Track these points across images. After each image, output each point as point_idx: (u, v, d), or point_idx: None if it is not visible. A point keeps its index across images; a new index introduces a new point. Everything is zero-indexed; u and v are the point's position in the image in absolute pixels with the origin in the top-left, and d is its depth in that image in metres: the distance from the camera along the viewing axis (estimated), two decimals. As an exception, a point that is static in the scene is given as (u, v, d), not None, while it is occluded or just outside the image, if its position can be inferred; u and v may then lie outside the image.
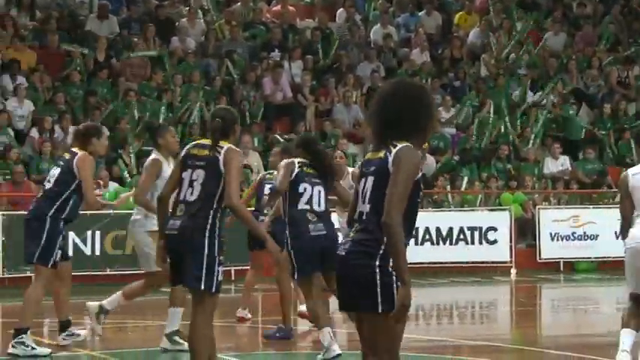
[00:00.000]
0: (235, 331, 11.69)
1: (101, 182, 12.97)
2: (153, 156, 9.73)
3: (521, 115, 22.47)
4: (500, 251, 18.81)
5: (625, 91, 23.74)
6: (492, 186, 19.84)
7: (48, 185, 9.75)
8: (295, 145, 9.75)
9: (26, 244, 9.65)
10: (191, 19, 22.55)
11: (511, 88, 23.12)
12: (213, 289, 7.27)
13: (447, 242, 18.40)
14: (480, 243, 18.78)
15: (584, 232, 19.13)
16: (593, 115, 23.15)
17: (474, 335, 12.12)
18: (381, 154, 5.55)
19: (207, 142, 7.60)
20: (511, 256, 18.75)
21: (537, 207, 19.43)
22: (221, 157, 7.36)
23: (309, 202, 9.13)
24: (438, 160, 20.68)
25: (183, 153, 7.65)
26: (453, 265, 18.24)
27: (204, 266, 7.21)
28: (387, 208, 5.42)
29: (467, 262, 18.29)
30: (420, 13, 25.25)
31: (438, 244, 18.38)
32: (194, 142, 7.73)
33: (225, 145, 7.46)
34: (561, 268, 19.10)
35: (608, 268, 19.08)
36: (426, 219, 18.23)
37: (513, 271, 18.61)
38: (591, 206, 19.88)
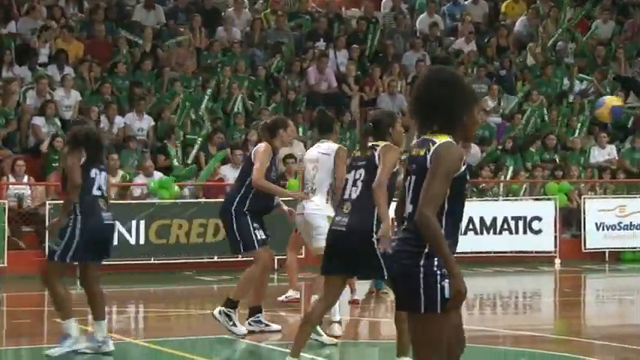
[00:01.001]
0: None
1: None
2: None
3: (569, 104, 22.32)
4: (545, 241, 18.71)
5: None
6: (538, 175, 19.74)
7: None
8: None
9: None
10: (237, 8, 22.65)
11: (558, 77, 22.94)
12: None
13: (492, 232, 18.30)
14: (525, 233, 18.68)
15: (631, 222, 18.96)
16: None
17: (517, 325, 12.15)
18: (422, 151, 5.49)
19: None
20: (555, 246, 18.65)
21: (583, 197, 19.30)
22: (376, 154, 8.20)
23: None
24: (483, 150, 20.60)
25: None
26: (497, 254, 18.18)
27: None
28: (419, 204, 5.40)
29: (511, 252, 18.21)
30: (466, 2, 25.17)
31: (482, 233, 18.29)
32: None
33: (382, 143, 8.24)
34: (607, 259, 18.95)
35: None
36: (471, 208, 18.19)
37: (557, 261, 18.52)
38: (638, 196, 19.71)
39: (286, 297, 12.57)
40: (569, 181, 19.68)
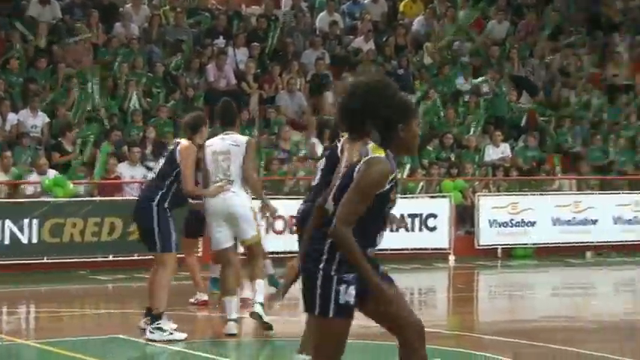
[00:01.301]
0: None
1: None
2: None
3: (464, 102, 22.60)
4: (440, 238, 18.96)
5: (565, 79, 23.97)
6: (434, 173, 19.98)
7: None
8: None
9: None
10: (135, 4, 22.38)
11: (454, 76, 23.22)
12: None
13: (388, 229, 18.34)
14: (420, 230, 18.87)
15: (522, 219, 19.30)
16: (535, 102, 23.38)
17: None
18: (357, 159, 5.63)
19: None
20: (450, 243, 18.92)
21: (477, 194, 19.60)
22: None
23: None
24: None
25: None
26: (393, 252, 18.33)
27: None
28: (336, 217, 5.50)
29: (407, 249, 18.38)
30: (365, 1, 25.34)
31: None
32: None
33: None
34: (499, 255, 19.26)
35: (545, 255, 19.37)
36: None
37: (452, 257, 18.77)
38: (530, 193, 20.09)
39: (195, 299, 12.46)
40: (463, 179, 19.96)
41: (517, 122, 22.60)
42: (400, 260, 18.06)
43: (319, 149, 20.36)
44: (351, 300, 5.57)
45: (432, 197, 19.47)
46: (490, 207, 19.31)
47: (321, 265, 5.57)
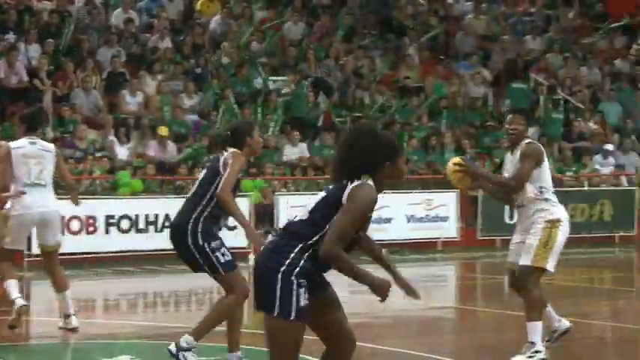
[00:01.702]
0: None
1: None
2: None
3: (263, 102, 22.73)
4: (240, 237, 18.89)
5: (359, 81, 24.44)
6: (235, 173, 19.96)
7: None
8: None
9: None
10: None
11: (252, 75, 23.33)
12: None
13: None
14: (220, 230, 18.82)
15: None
16: (331, 103, 23.74)
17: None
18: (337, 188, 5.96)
19: None
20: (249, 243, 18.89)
21: (276, 193, 19.75)
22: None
23: None
24: (180, 148, 20.66)
25: None
26: None
27: None
28: (329, 239, 5.82)
29: None
30: (163, -1, 25.25)
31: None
32: None
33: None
34: None
35: None
36: (165, 206, 18.26)
37: (251, 256, 18.77)
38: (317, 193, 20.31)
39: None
40: (262, 179, 20.10)
41: (314, 122, 22.91)
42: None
43: (118, 148, 20.18)
44: (306, 304, 5.83)
45: (231, 197, 19.46)
46: (289, 206, 19.49)
47: (282, 268, 5.77)
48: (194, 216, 8.16)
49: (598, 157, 24.02)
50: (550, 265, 9.01)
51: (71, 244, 17.51)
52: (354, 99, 23.84)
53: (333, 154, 22.20)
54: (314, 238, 5.90)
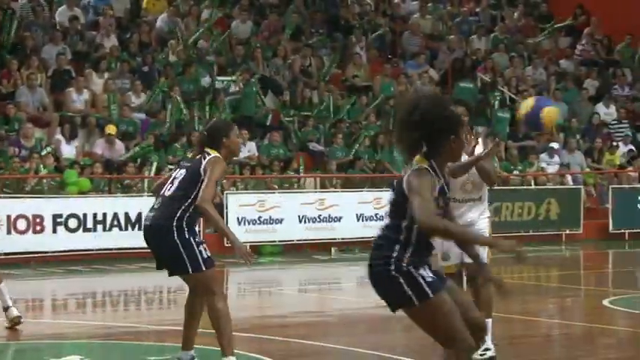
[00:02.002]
0: None
1: None
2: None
3: (211, 101, 22.70)
4: (188, 236, 18.89)
5: (307, 80, 24.51)
6: (181, 172, 19.92)
7: None
8: None
9: None
10: None
11: (200, 74, 23.30)
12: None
13: (137, 228, 18.02)
14: None
15: (270, 217, 19.66)
16: (279, 102, 23.78)
17: (160, 320, 12.21)
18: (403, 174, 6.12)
19: None
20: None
21: (225, 192, 19.77)
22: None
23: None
24: (128, 147, 20.58)
25: None
26: (143, 250, 18.17)
27: None
28: (421, 219, 5.85)
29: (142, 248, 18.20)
30: (109, -4, 25.17)
31: (127, 229, 18.21)
32: None
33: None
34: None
35: (292, 251, 19.76)
36: (116, 205, 18.24)
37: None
38: (277, 191, 20.44)
39: None
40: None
41: (263, 121, 22.93)
42: (150, 259, 17.98)
43: (64, 147, 20.06)
44: (434, 277, 6.04)
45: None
46: (238, 205, 19.56)
47: (392, 267, 5.98)
48: (178, 215, 8.04)
49: (544, 156, 24.32)
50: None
51: (18, 244, 17.45)
52: (303, 98, 23.89)
53: (282, 153, 22.27)
54: (402, 232, 6.04)
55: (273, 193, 20.23)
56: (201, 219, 8.45)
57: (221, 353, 8.15)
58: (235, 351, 8.29)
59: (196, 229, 8.23)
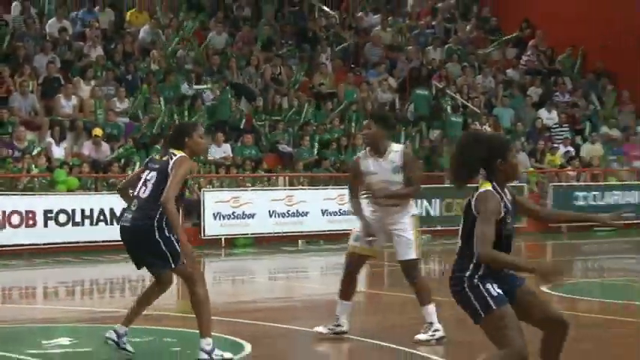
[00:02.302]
0: None
1: None
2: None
3: (190, 107, 22.74)
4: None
5: (278, 87, 24.60)
6: (161, 171, 19.94)
7: None
8: None
9: None
10: None
11: (179, 81, 23.35)
12: None
13: (116, 222, 18.05)
14: None
15: (243, 212, 19.70)
16: (252, 108, 23.84)
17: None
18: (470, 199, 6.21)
19: None
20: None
21: (202, 189, 19.83)
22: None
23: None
24: (113, 148, 20.62)
25: None
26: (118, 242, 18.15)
27: None
28: (481, 247, 6.03)
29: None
30: (95, 9, 25.12)
31: (112, 224, 18.16)
32: None
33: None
34: (222, 244, 19.51)
35: (263, 243, 19.81)
36: (102, 201, 18.28)
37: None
38: (249, 188, 20.51)
39: None
40: (190, 176, 20.06)
41: (237, 125, 23.01)
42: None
43: (54, 148, 20.08)
44: (500, 292, 6.11)
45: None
46: (214, 201, 19.59)
47: (465, 284, 6.12)
48: (157, 216, 7.88)
49: None
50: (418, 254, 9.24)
51: (12, 237, 17.48)
52: (274, 104, 23.98)
53: (254, 153, 22.32)
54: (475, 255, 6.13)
55: (246, 190, 20.28)
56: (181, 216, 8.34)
57: (200, 334, 8.15)
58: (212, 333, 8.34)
59: None
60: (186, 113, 22.45)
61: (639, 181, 24.86)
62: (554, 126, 26.69)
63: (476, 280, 6.10)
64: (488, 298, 6.09)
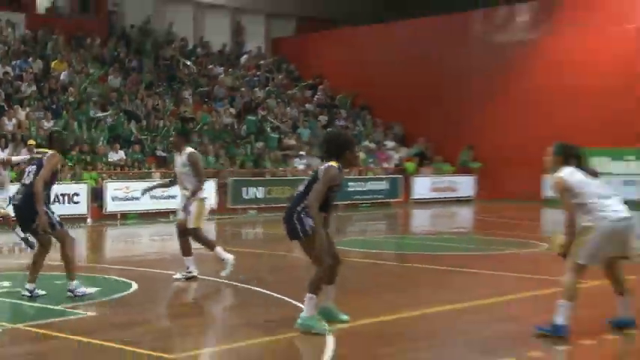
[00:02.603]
0: None
1: None
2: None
3: (95, 126, 22.24)
4: (81, 208, 18.33)
5: (156, 113, 24.34)
6: (76, 167, 19.45)
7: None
8: None
9: None
10: None
11: (89, 110, 22.85)
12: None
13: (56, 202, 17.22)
14: (69, 203, 18.07)
15: (132, 196, 18.92)
16: (138, 127, 23.52)
17: (56, 258, 11.83)
18: (318, 167, 6.17)
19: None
20: (87, 211, 18.32)
21: (105, 181, 19.26)
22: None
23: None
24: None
25: None
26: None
27: None
28: (310, 199, 6.00)
29: (66, 215, 17.54)
30: (29, 59, 24.28)
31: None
32: None
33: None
34: (118, 217, 18.92)
35: (146, 217, 19.09)
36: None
37: (89, 220, 18.21)
38: (136, 180, 19.92)
39: None
40: (97, 172, 19.80)
41: (128, 138, 22.57)
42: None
43: (0, 153, 19.35)
44: (312, 226, 6.05)
45: (76, 182, 18.93)
46: (113, 189, 19.23)
47: (294, 215, 6.08)
48: (39, 195, 7.60)
49: (297, 160, 24.84)
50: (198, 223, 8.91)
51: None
52: (153, 124, 23.81)
53: (140, 157, 21.81)
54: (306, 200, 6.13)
55: (134, 181, 19.82)
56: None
57: (67, 277, 7.93)
58: (113, 277, 8.31)
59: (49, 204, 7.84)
60: (93, 131, 22.09)
61: (387, 175, 25.33)
62: (335, 140, 27.23)
63: (303, 215, 6.12)
64: (307, 227, 6.08)
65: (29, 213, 7.71)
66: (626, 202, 6.37)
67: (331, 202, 6.32)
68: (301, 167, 24.30)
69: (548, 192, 4.99)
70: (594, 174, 6.14)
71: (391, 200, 23.81)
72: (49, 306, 7.79)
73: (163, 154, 22.55)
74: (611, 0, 23.83)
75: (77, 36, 26.49)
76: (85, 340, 6.38)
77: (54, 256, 8.52)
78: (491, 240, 13.95)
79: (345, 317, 6.73)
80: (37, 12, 26.61)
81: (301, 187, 6.36)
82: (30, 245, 9.11)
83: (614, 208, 6.07)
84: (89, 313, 7.49)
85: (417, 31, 28.23)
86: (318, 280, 6.17)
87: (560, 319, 6.05)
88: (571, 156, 6.12)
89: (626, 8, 23.21)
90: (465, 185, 25.47)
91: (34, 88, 22.67)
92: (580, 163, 6.15)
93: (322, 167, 6.19)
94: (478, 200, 24.81)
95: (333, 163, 6.18)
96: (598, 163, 20.32)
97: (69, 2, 27.78)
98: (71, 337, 6.50)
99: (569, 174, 6.10)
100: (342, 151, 6.23)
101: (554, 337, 6.05)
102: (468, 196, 25.19)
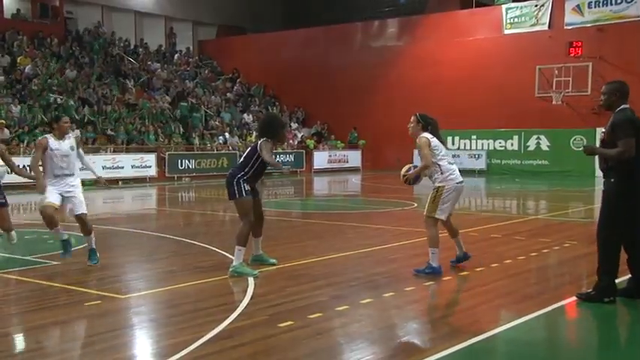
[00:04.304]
0: None
1: None
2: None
3: (54, 109, 21.00)
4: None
5: (105, 100, 23.15)
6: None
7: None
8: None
9: None
10: None
11: (49, 97, 21.45)
12: None
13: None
14: None
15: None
16: (91, 111, 22.47)
17: (20, 219, 11.08)
18: (254, 143, 5.98)
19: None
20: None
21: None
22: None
23: None
24: (11, 132, 18.90)
25: None
26: (18, 184, 16.20)
27: None
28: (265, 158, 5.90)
29: (18, 182, 15.43)
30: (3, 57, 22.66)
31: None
32: None
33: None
34: None
35: (99, 185, 18.64)
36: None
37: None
38: (91, 155, 19.22)
39: None
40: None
41: (82, 120, 21.43)
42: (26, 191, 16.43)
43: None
44: (249, 189, 5.93)
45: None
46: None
47: (234, 180, 5.89)
48: None
49: (220, 138, 24.01)
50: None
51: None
52: (104, 110, 22.90)
53: (93, 135, 20.94)
54: (246, 168, 6.04)
55: (89, 155, 19.08)
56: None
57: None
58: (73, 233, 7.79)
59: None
60: (53, 113, 20.99)
61: (293, 150, 24.96)
62: (251, 122, 26.64)
63: (241, 181, 6.06)
64: (243, 191, 6.00)
65: None
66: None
67: (263, 171, 6.26)
68: (223, 143, 23.84)
69: (418, 162, 5.13)
70: (443, 143, 6.23)
71: (297, 169, 23.87)
72: (17, 256, 7.48)
73: (112, 133, 21.67)
74: (455, 20, 25.17)
75: (39, 37, 24.91)
76: (47, 283, 6.13)
77: (34, 216, 8.16)
78: (374, 201, 14.08)
79: (273, 261, 6.67)
80: (5, 17, 24.83)
81: (241, 159, 6.27)
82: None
83: (457, 173, 6.24)
84: (53, 262, 7.18)
85: (312, 37, 28.48)
86: (243, 234, 6.07)
87: (434, 263, 6.20)
88: (429, 124, 6.21)
89: (466, 26, 24.87)
90: (354, 158, 25.97)
91: (2, 79, 21.21)
92: (434, 131, 6.24)
93: (260, 142, 6.11)
94: (364, 170, 25.46)
95: (268, 139, 6.12)
96: (450, 140, 21.95)
97: (31, 9, 26.06)
98: (36, 281, 6.25)
99: (431, 137, 6.22)
100: (277, 130, 6.18)
101: (427, 275, 6.13)
102: (357, 167, 25.72)
